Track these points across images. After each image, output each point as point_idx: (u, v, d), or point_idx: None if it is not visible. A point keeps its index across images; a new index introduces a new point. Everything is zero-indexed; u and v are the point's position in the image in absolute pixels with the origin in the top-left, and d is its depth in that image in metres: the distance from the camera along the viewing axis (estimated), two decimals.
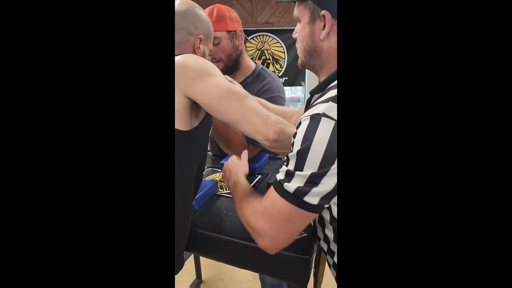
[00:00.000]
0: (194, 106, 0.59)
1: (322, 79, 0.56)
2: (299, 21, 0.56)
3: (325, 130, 0.42)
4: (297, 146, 0.45)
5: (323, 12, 0.49)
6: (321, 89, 0.53)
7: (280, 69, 2.93)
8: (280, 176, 0.48)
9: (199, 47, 0.70)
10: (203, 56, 0.72)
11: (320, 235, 0.61)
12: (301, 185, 0.44)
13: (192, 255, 1.54)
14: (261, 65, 1.12)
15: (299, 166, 0.44)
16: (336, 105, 0.43)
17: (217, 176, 1.03)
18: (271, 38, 2.89)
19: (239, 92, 0.56)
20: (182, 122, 0.56)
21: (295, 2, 0.56)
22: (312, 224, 0.67)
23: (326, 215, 0.54)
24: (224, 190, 0.91)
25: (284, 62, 2.92)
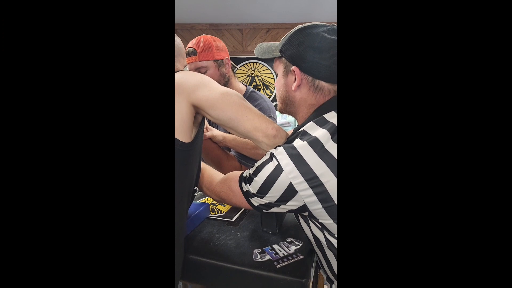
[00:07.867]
0: (195, 116, 0.61)
1: (299, 123, 0.61)
2: (277, 74, 0.63)
3: (271, 167, 0.52)
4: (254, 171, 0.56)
5: (293, 67, 0.57)
6: (293, 133, 0.59)
7: (271, 94, 3.00)
8: (246, 173, 0.59)
9: None
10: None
11: (319, 260, 0.61)
12: (252, 191, 0.56)
13: (181, 283, 1.45)
14: (251, 88, 1.16)
15: (255, 185, 0.55)
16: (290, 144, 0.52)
17: (209, 199, 1.00)
18: (261, 65, 2.99)
19: (238, 94, 0.61)
20: (186, 134, 0.58)
21: (273, 58, 0.63)
22: (310, 244, 0.65)
23: (322, 238, 0.54)
24: (216, 213, 0.89)
25: (274, 87, 3.00)
